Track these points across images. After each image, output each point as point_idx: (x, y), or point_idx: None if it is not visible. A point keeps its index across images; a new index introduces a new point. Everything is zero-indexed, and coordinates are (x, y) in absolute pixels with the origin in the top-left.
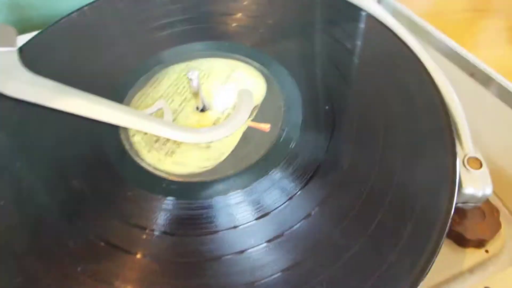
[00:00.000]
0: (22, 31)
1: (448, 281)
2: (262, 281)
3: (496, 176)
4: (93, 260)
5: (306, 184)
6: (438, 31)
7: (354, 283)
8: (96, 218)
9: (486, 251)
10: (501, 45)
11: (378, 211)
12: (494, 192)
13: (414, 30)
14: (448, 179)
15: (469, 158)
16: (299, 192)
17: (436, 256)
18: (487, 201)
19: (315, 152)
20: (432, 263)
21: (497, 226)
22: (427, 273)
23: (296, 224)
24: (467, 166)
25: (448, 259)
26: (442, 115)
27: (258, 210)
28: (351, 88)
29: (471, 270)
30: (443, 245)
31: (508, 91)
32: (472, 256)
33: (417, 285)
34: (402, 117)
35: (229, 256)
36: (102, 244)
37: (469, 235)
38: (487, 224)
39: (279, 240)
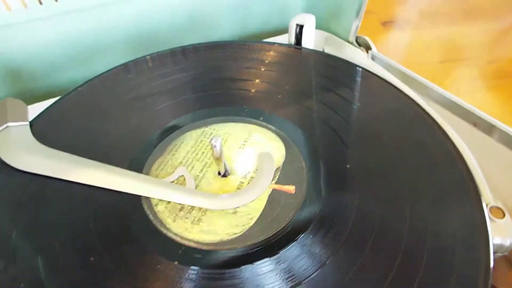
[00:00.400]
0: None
1: None
2: None
3: None
4: None
5: (338, 249)
6: (435, 85)
7: None
8: None
9: None
10: (476, 91)
11: (417, 272)
12: None
13: (409, 84)
14: (480, 230)
15: (492, 208)
16: (331, 258)
17: None
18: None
19: (343, 213)
20: None
21: None
22: None
23: None
24: (491, 216)
25: None
26: (461, 166)
27: (289, 279)
28: (367, 145)
29: None
30: None
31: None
32: None
33: None
34: (422, 171)
35: None
36: None
37: (499, 284)
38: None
39: None
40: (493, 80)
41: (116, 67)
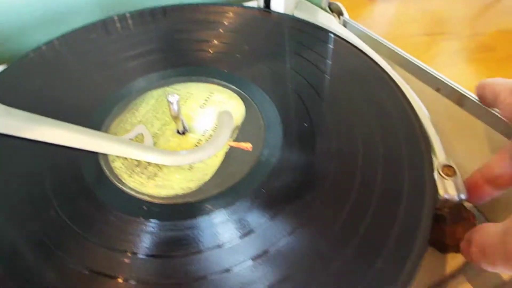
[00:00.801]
0: None
1: (433, 284)
2: None
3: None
4: None
5: (290, 200)
6: (403, 51)
7: None
8: (79, 246)
9: None
10: (458, 64)
11: (362, 222)
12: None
13: (378, 50)
14: (426, 186)
15: (443, 166)
16: (284, 208)
17: (421, 263)
18: (463, 207)
19: (297, 168)
20: (418, 269)
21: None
22: (413, 280)
23: (281, 240)
24: (442, 174)
25: (430, 266)
26: (416, 126)
27: (242, 228)
28: (326, 105)
29: (453, 275)
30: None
31: (475, 102)
32: (453, 261)
33: None
34: (378, 129)
35: (215, 275)
36: (86, 272)
37: (448, 240)
38: (465, 227)
39: (265, 256)
40: (475, 53)
41: (79, 28)
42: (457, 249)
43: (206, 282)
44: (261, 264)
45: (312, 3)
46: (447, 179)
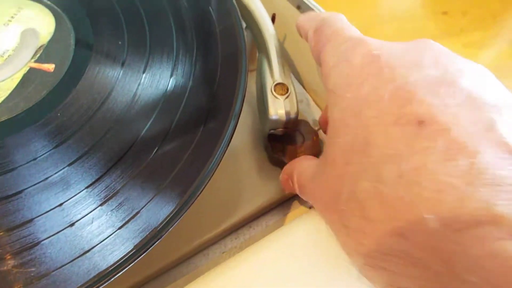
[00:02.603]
0: None
1: (276, 203)
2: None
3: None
4: None
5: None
6: None
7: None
8: None
9: None
10: None
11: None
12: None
13: None
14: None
15: (276, 85)
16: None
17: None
18: (307, 126)
19: (101, 86)
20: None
21: (316, 148)
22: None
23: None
24: (274, 93)
25: (272, 184)
26: (240, 43)
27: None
28: (144, 22)
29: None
30: (267, 170)
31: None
32: None
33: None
34: (200, 44)
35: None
36: None
37: (288, 158)
38: (306, 147)
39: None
40: None
41: None
42: None
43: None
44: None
45: None
46: (278, 98)
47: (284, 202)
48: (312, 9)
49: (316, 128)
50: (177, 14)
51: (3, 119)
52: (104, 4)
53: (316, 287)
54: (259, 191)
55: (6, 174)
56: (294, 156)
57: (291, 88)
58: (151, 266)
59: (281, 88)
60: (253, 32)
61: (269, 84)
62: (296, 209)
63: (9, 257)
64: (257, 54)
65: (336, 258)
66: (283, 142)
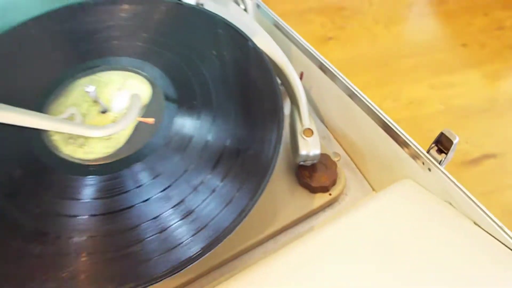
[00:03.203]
0: None
1: (305, 217)
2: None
3: (343, 139)
4: None
5: (183, 149)
6: (295, 32)
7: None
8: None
9: (330, 194)
10: None
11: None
12: (344, 149)
13: (276, 27)
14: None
15: (305, 130)
16: (179, 156)
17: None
18: (328, 158)
19: (187, 134)
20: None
21: (335, 175)
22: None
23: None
24: (303, 136)
25: (302, 202)
26: (278, 100)
27: (152, 174)
28: (212, 87)
29: (323, 208)
30: (298, 192)
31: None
32: (320, 198)
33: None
34: (251, 103)
35: (138, 204)
36: (38, 211)
37: (313, 183)
38: (327, 174)
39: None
40: None
41: (22, 22)
42: (323, 190)
43: (134, 209)
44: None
45: None
46: (306, 139)
47: (312, 215)
48: (331, 70)
49: (336, 160)
50: (232, 81)
51: (122, 156)
52: (183, 76)
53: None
54: (291, 206)
55: (122, 194)
56: (318, 181)
57: (315, 131)
58: (214, 258)
59: (308, 131)
60: (286, 87)
61: (299, 129)
62: (321, 221)
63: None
64: (290, 104)
65: None
66: (310, 170)
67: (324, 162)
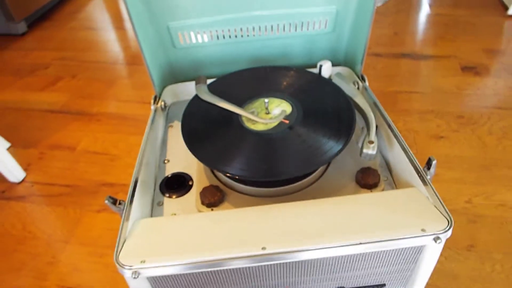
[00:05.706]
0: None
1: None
2: None
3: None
4: None
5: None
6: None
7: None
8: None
9: (371, 191)
10: None
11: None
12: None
13: (375, 104)
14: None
15: (369, 141)
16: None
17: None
18: (376, 172)
19: (303, 131)
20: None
21: (378, 178)
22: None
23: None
24: (368, 144)
25: (353, 190)
26: (353, 122)
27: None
28: (323, 113)
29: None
30: (355, 188)
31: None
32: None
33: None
34: (338, 121)
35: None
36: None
37: (371, 181)
38: (373, 177)
39: None
40: None
41: (242, 70)
42: (371, 187)
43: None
44: None
45: (350, 68)
46: (368, 145)
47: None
48: (397, 135)
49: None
50: (331, 110)
51: (272, 132)
52: (307, 106)
53: None
54: (347, 188)
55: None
56: (368, 180)
57: (375, 143)
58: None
59: (371, 142)
60: (362, 114)
61: (367, 139)
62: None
63: None
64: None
65: None
66: (364, 173)
67: (373, 171)
